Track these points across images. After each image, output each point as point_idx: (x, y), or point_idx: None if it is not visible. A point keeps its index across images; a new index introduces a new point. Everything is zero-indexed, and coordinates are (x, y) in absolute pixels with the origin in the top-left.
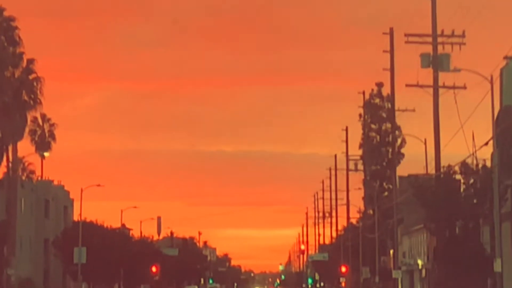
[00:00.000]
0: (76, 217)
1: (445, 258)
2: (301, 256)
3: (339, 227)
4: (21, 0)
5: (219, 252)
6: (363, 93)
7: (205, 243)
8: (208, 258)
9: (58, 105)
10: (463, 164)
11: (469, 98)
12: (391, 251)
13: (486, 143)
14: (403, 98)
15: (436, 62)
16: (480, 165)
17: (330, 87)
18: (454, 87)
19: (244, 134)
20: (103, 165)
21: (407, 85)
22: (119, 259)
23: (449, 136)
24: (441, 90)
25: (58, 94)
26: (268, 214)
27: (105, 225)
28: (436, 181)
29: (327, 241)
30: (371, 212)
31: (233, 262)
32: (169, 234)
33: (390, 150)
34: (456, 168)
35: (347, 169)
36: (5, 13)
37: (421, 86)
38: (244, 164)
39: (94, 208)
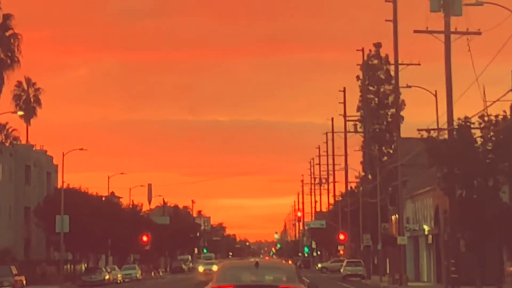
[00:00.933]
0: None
1: (462, 222)
2: (297, 224)
3: (337, 193)
4: None
5: (213, 222)
6: (362, 50)
7: (199, 212)
8: (202, 227)
9: (50, 76)
10: (481, 117)
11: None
12: (394, 217)
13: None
14: (406, 53)
15: (448, 4)
16: (500, 117)
17: (326, 57)
18: (467, 33)
19: (240, 103)
20: (96, 136)
21: (415, 31)
22: (106, 228)
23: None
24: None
25: (49, 65)
26: (263, 183)
27: (90, 192)
28: (449, 135)
29: (324, 209)
30: (370, 177)
31: (227, 232)
32: (161, 203)
33: (390, 112)
34: (474, 120)
35: (345, 131)
36: None
37: (431, 32)
38: (240, 133)
39: (85, 178)
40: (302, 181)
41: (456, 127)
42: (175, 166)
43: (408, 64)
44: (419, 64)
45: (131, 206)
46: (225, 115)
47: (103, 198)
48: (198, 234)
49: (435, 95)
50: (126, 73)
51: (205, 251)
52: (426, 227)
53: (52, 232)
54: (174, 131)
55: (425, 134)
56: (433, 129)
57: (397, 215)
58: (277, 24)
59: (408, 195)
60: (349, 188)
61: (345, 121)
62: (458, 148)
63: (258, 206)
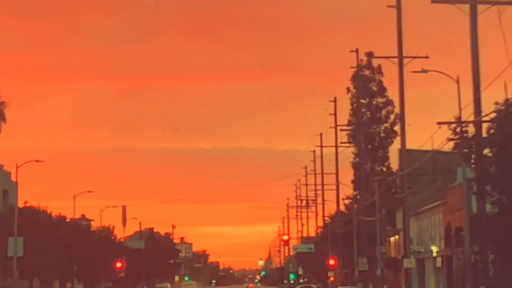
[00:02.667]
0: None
1: (500, 236)
2: (283, 249)
3: (326, 215)
4: None
5: (196, 249)
6: (356, 51)
7: (181, 239)
8: (184, 254)
9: (34, 103)
10: None
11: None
12: (393, 238)
13: None
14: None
15: None
16: None
17: (308, 83)
18: (496, 2)
19: (222, 131)
20: (78, 163)
21: (433, 1)
22: (69, 252)
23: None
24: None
25: (34, 93)
26: (247, 210)
27: (51, 212)
28: (476, 129)
29: (312, 233)
30: (359, 197)
31: (210, 259)
32: (139, 229)
33: (382, 127)
34: None
35: (336, 144)
36: None
37: (453, 2)
38: (223, 160)
39: (61, 204)
40: (287, 204)
41: (494, 114)
42: (157, 193)
43: (414, 57)
44: (427, 57)
45: (100, 229)
46: (208, 142)
47: (67, 219)
48: (178, 260)
49: (457, 81)
50: (109, 99)
51: (186, 278)
52: (434, 248)
53: (4, 255)
54: (157, 158)
55: (446, 129)
56: (458, 122)
57: (397, 236)
58: (260, 51)
59: (410, 213)
60: (340, 208)
61: (336, 132)
62: (498, 141)
63: (242, 234)
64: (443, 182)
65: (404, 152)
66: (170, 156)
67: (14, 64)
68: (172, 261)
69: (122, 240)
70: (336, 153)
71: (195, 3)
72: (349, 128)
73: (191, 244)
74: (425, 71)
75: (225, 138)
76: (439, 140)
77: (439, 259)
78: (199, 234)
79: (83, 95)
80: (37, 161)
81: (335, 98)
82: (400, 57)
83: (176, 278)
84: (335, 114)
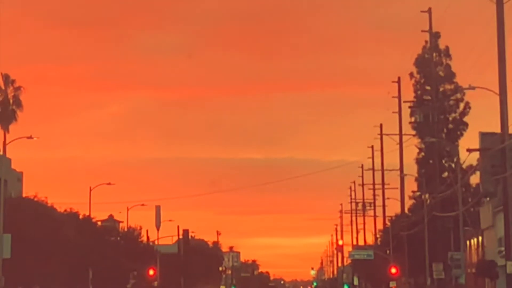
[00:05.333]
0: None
1: None
2: (336, 259)
3: (387, 219)
4: (47, 12)
5: (245, 259)
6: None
7: (230, 248)
8: (230, 263)
9: (83, 113)
10: None
11: None
12: (473, 240)
13: None
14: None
15: None
16: None
17: (360, 93)
18: None
19: (273, 141)
20: (126, 173)
21: None
22: (82, 255)
23: None
24: None
25: (83, 102)
26: (297, 222)
27: (52, 205)
28: None
29: (369, 241)
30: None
31: (260, 269)
32: (177, 233)
33: (451, 117)
34: None
35: (400, 134)
36: None
37: None
38: (273, 171)
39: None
40: (340, 211)
41: None
42: (207, 205)
43: None
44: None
45: (125, 230)
46: (258, 153)
47: (80, 216)
48: (222, 268)
49: None
50: (157, 109)
51: None
52: None
53: None
54: (206, 169)
55: None
56: None
57: (479, 238)
58: (310, 61)
59: (496, 209)
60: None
61: (400, 116)
62: None
63: (292, 245)
64: None
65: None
66: (220, 167)
67: (64, 74)
68: (221, 268)
69: (152, 243)
70: (401, 140)
71: (244, 14)
72: (411, 105)
73: (238, 252)
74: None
75: (275, 149)
76: None
77: None
78: (248, 245)
79: (132, 105)
80: (109, 184)
81: (399, 78)
82: None
83: (222, 287)
84: (399, 96)
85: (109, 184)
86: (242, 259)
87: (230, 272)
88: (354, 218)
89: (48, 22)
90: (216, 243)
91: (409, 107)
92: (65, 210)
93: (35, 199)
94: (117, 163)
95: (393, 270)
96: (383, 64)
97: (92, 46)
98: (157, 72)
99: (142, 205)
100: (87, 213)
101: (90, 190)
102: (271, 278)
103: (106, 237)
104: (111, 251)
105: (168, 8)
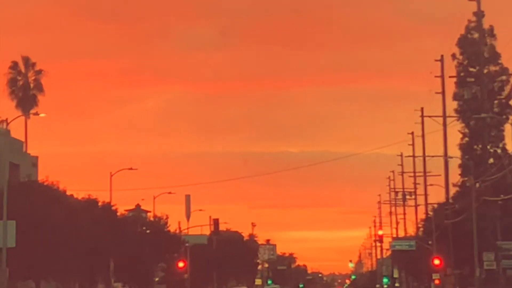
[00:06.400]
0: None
1: None
2: (375, 251)
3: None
4: (83, 6)
5: (281, 252)
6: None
7: (267, 241)
8: (266, 256)
9: (119, 108)
10: None
11: None
12: None
13: None
14: None
15: None
16: None
17: (395, 86)
18: None
19: (309, 134)
20: (162, 167)
21: None
22: (100, 245)
23: None
24: None
25: (119, 97)
26: (334, 215)
27: (65, 190)
28: None
29: (410, 231)
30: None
31: (298, 263)
32: (209, 222)
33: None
34: None
35: (444, 115)
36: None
37: None
38: (309, 164)
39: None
40: (379, 202)
41: None
42: (243, 199)
43: None
44: None
45: (152, 219)
46: (294, 147)
47: (99, 203)
48: (257, 261)
49: None
50: (193, 103)
51: (269, 282)
52: None
53: None
54: (242, 163)
55: None
56: None
57: None
58: (345, 55)
59: None
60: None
61: (444, 98)
62: None
63: (330, 239)
64: None
65: None
66: (256, 160)
67: (100, 68)
68: (259, 261)
69: (182, 233)
70: (444, 121)
71: (280, 7)
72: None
73: (274, 245)
74: None
75: (311, 143)
76: None
77: None
78: (285, 239)
79: (167, 100)
80: (130, 169)
81: (442, 56)
82: None
83: (258, 281)
84: (442, 75)
85: (130, 169)
86: (278, 252)
87: (267, 265)
88: (393, 208)
89: (83, 16)
90: (251, 236)
91: (455, 82)
92: (83, 198)
93: (45, 183)
94: (153, 157)
95: (437, 262)
96: (419, 57)
97: (128, 40)
98: (193, 66)
99: (169, 193)
100: (112, 202)
101: (111, 175)
102: (309, 271)
103: (128, 227)
104: (134, 242)
105: (203, 2)
